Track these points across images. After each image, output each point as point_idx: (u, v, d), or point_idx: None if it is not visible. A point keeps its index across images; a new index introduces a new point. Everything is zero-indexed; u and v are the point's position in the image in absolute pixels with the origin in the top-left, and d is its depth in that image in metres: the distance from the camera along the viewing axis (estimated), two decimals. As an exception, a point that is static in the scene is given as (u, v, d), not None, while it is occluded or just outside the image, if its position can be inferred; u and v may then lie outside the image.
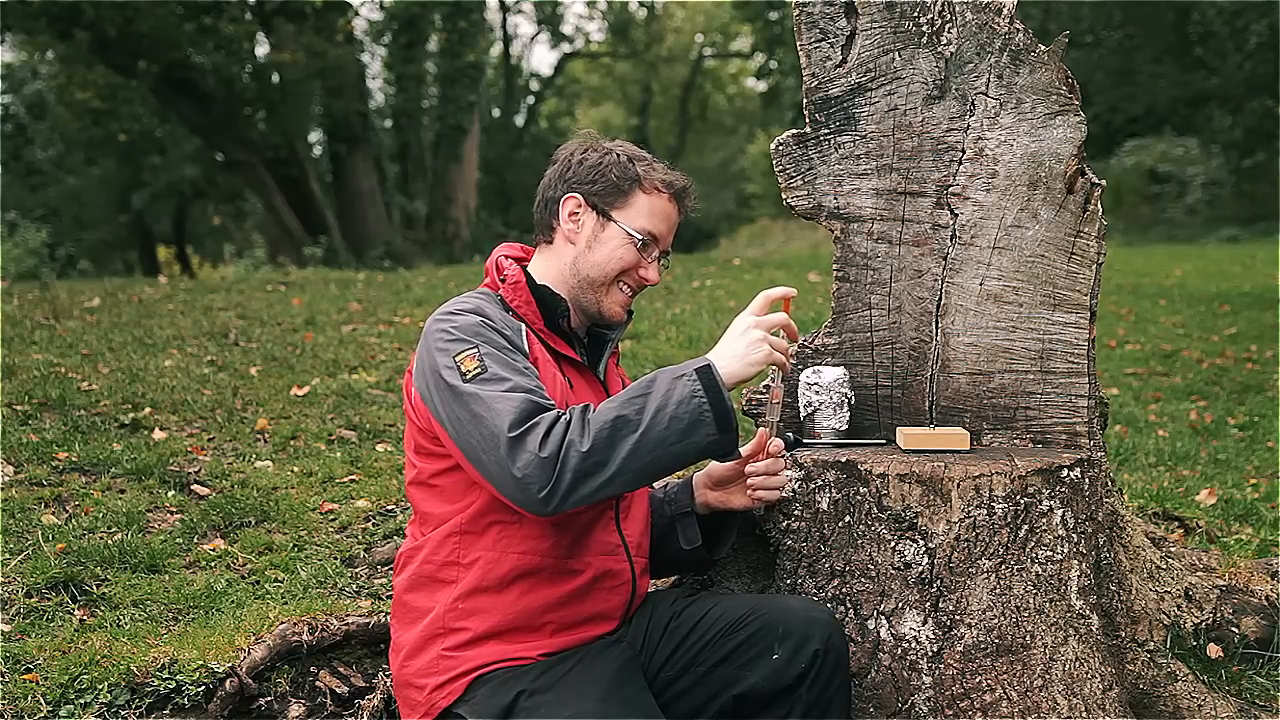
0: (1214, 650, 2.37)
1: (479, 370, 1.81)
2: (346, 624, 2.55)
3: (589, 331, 2.11)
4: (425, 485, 1.95)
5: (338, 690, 2.45)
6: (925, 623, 2.05)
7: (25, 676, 2.31)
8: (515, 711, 1.80)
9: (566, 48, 32.42)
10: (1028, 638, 2.06)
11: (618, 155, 2.03)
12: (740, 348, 1.83)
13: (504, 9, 28.94)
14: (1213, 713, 2.24)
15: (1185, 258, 15.08)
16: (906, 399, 2.37)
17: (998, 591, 2.04)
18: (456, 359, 1.82)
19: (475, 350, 1.83)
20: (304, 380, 5.22)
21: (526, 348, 1.91)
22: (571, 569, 1.92)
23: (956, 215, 2.30)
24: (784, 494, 2.15)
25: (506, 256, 2.07)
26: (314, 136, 23.42)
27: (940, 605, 2.04)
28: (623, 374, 2.20)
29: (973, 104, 2.26)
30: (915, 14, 2.26)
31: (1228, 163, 20.65)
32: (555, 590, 1.91)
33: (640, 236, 2.01)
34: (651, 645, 2.01)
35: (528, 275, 2.02)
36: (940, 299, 2.33)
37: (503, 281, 2.00)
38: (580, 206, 2.01)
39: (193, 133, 20.87)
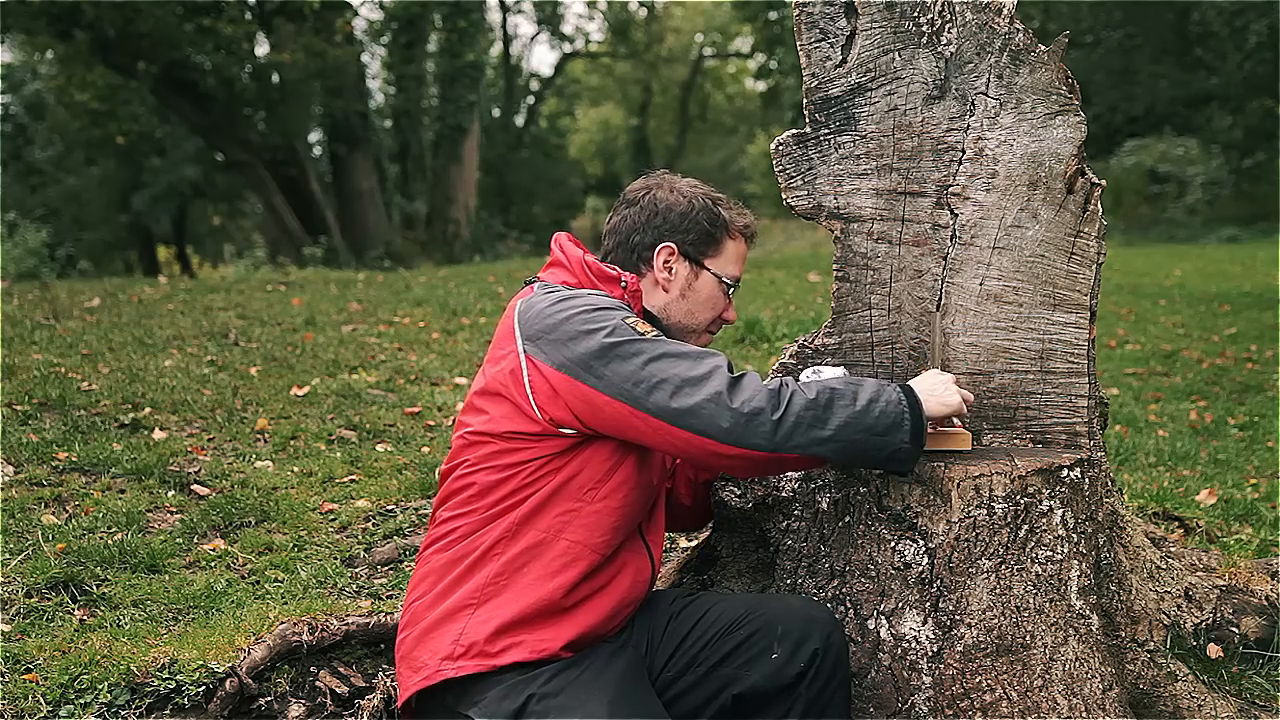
0: (1214, 650, 2.37)
1: (655, 333, 1.85)
2: (346, 624, 2.55)
3: None
4: (496, 469, 1.88)
5: (338, 690, 2.45)
6: (925, 623, 2.05)
7: (25, 676, 2.31)
8: (526, 714, 1.79)
9: (566, 48, 32.44)
10: (1028, 638, 2.05)
11: (704, 201, 2.08)
12: (939, 389, 1.96)
13: (504, 9, 28.96)
14: (1213, 713, 2.23)
15: (1185, 258, 15.09)
16: (906, 399, 2.37)
17: (998, 591, 2.04)
18: (628, 322, 1.84)
19: (638, 319, 1.87)
20: (304, 380, 5.22)
21: None
22: (607, 563, 1.92)
23: (956, 215, 2.29)
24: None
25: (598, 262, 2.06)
26: (314, 136, 23.44)
27: (940, 605, 2.04)
28: None
29: (973, 104, 2.26)
30: (915, 14, 2.26)
31: (1228, 163, 20.68)
32: (590, 580, 1.90)
33: (731, 284, 2.11)
34: (652, 646, 2.01)
35: None
36: (940, 299, 2.32)
37: (623, 287, 2.01)
38: (673, 255, 2.06)
39: (193, 133, 20.89)
